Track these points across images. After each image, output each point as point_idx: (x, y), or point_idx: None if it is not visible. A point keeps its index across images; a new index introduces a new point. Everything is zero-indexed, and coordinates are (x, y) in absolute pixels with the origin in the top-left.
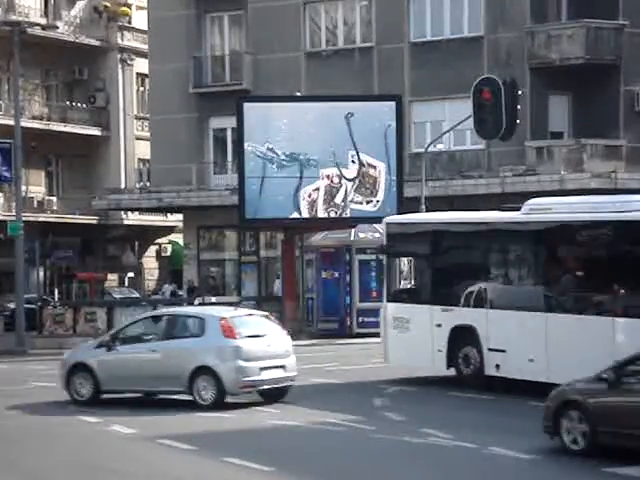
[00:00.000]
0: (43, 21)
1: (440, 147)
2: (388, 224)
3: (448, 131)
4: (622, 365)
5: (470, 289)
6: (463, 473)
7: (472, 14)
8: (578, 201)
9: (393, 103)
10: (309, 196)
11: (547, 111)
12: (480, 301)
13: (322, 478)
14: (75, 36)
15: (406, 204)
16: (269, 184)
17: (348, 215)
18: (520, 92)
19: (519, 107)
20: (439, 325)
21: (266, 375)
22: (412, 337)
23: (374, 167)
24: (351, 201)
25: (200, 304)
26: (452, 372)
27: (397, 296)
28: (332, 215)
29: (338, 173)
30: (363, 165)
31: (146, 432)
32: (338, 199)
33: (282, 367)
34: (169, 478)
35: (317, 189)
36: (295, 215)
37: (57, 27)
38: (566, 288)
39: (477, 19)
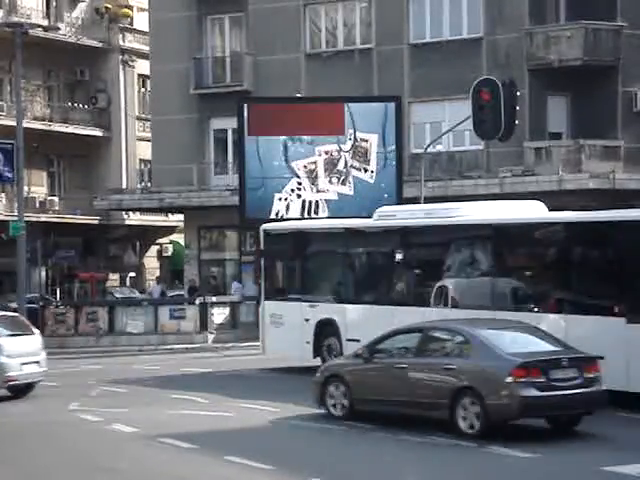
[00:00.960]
0: (45, 22)
1: (439, 148)
2: (264, 230)
3: (447, 132)
4: (374, 343)
5: (331, 286)
6: (463, 473)
7: (471, 15)
8: (416, 208)
9: (392, 104)
10: (304, 167)
11: (546, 112)
12: (339, 297)
13: (322, 477)
14: (77, 37)
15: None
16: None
17: (351, 183)
18: (519, 93)
19: (518, 108)
20: (307, 320)
21: (26, 370)
22: (285, 331)
23: (366, 140)
24: (352, 167)
25: (201, 304)
26: (318, 361)
27: (273, 295)
28: (334, 181)
29: (337, 149)
30: (357, 140)
31: (147, 431)
32: (340, 166)
33: (37, 362)
34: (170, 477)
35: (314, 162)
36: (296, 180)
37: (59, 28)
38: (408, 284)
39: (476, 20)
